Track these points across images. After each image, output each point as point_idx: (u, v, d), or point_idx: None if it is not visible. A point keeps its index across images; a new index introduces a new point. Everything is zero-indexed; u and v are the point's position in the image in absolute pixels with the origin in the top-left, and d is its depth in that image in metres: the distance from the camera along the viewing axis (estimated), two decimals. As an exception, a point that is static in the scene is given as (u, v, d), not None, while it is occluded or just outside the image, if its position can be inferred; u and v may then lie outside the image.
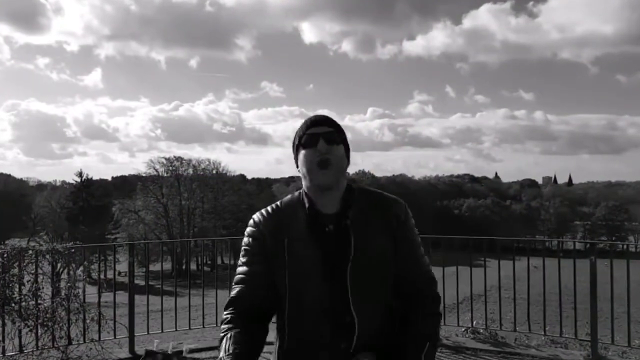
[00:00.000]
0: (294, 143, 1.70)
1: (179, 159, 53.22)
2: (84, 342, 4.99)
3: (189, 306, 6.16)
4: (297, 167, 1.69)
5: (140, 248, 13.94)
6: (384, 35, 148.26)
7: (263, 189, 70.09)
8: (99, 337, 5.06)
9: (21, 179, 76.28)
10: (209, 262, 41.69)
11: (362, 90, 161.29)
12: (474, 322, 5.82)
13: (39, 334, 4.77)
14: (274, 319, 1.70)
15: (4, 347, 4.70)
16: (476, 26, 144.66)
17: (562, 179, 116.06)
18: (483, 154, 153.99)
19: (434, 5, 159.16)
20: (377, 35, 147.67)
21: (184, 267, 36.17)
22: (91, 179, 55.03)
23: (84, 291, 5.11)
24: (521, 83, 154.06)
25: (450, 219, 58.44)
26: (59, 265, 5.25)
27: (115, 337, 5.26)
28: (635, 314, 5.32)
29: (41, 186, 74.05)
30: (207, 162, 54.18)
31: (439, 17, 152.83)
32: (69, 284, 5.02)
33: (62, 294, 4.96)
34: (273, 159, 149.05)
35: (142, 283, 6.57)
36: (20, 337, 4.73)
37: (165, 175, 52.47)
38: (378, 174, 78.44)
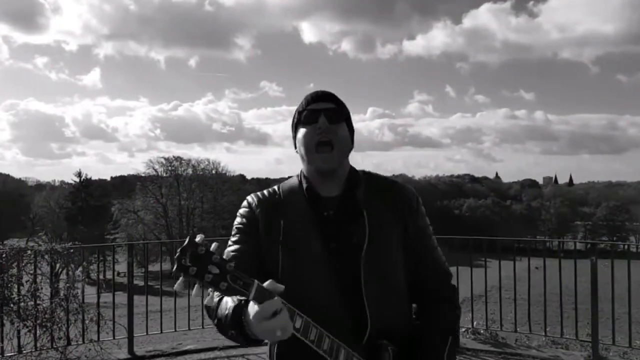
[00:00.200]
0: (293, 120, 1.55)
1: (178, 158, 53.21)
2: (83, 342, 4.98)
3: (188, 307, 6.14)
4: (295, 147, 1.54)
5: (140, 248, 13.93)
6: (383, 34, 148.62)
7: (262, 189, 69.93)
8: (98, 338, 5.05)
9: (20, 179, 76.23)
10: (208, 262, 41.56)
11: (362, 90, 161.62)
12: (475, 323, 5.80)
13: (38, 335, 4.76)
14: None
15: (2, 347, 4.68)
16: (476, 26, 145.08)
17: (562, 179, 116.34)
18: (483, 154, 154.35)
19: (434, 4, 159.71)
20: (377, 34, 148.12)
21: (183, 267, 36.13)
22: (90, 179, 55.04)
23: (82, 292, 5.10)
24: (521, 83, 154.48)
25: (450, 219, 58.35)
26: (57, 265, 5.23)
27: (114, 338, 5.24)
28: (636, 314, 5.32)
29: (40, 186, 73.94)
30: (206, 162, 54.16)
31: (439, 17, 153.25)
32: (67, 285, 5.01)
33: (61, 295, 4.95)
34: (273, 158, 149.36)
35: (141, 283, 6.55)
36: (19, 338, 4.72)
37: (164, 175, 52.43)
38: (378, 174, 78.21)
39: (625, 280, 4.97)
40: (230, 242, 1.53)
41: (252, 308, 1.22)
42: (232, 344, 5.28)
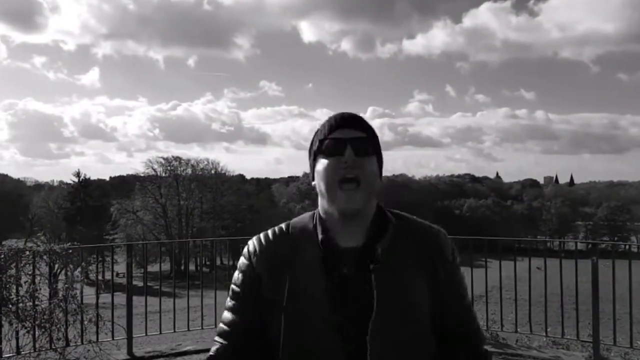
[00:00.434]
0: (310, 148, 1.33)
1: (178, 158, 53.27)
2: (82, 343, 4.95)
3: (187, 307, 6.12)
4: (313, 180, 1.31)
5: (139, 249, 13.92)
6: (383, 34, 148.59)
7: (262, 189, 69.98)
8: (97, 339, 5.03)
9: (18, 179, 76.13)
10: (207, 262, 41.62)
11: (361, 89, 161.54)
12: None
13: (37, 336, 4.74)
14: None
15: (1, 348, 4.66)
16: (476, 25, 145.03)
17: (563, 179, 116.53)
18: (484, 153, 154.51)
19: (434, 4, 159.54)
20: (377, 34, 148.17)
21: (182, 267, 36.12)
22: (89, 179, 55.00)
23: (81, 292, 5.08)
24: (522, 82, 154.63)
25: (451, 219, 58.36)
26: (56, 266, 5.21)
27: (113, 339, 5.22)
28: (637, 314, 5.31)
29: (38, 186, 73.88)
30: (205, 162, 54.23)
31: (439, 16, 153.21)
32: (66, 285, 4.98)
33: (60, 295, 4.93)
34: (272, 158, 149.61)
35: (140, 284, 6.52)
36: (17, 339, 4.70)
37: (163, 175, 52.45)
38: (377, 174, 78.25)
39: (626, 280, 4.96)
40: (226, 304, 1.33)
41: None
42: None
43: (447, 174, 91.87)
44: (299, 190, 66.45)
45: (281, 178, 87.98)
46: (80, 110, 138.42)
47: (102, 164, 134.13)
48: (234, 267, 1.42)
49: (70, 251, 5.24)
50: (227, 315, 1.32)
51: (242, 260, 1.34)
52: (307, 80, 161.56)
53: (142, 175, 53.15)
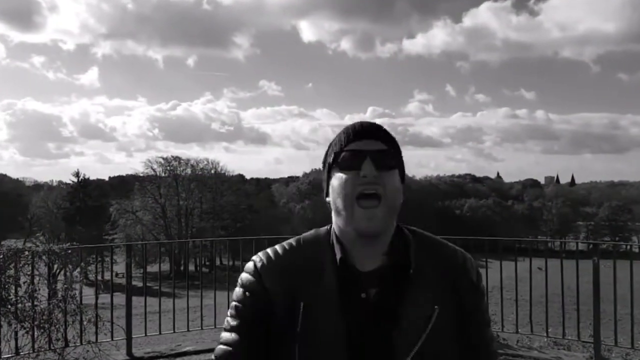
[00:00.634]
0: (325, 160, 1.21)
1: (177, 158, 53.25)
2: (81, 344, 4.94)
3: (187, 308, 6.11)
4: (327, 196, 1.19)
5: (138, 249, 13.91)
6: (383, 33, 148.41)
7: (262, 189, 70.01)
8: (96, 339, 5.02)
9: (17, 179, 76.21)
10: (207, 263, 41.62)
11: (361, 89, 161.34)
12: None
13: (36, 336, 4.73)
14: None
15: (0, 349, 4.64)
16: (477, 24, 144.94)
17: (564, 179, 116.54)
18: (484, 153, 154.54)
19: (434, 3, 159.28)
20: (377, 33, 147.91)
21: (182, 268, 36.13)
22: (88, 179, 55.00)
23: (80, 293, 5.07)
24: (522, 82, 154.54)
25: (451, 219, 58.50)
26: (55, 266, 5.20)
27: (112, 339, 5.21)
28: (638, 315, 5.28)
29: (38, 186, 73.90)
30: (205, 162, 54.23)
31: (439, 15, 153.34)
32: (65, 286, 4.97)
33: (59, 296, 4.92)
34: (272, 158, 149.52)
35: (140, 284, 6.50)
36: (16, 339, 4.68)
37: (163, 175, 52.44)
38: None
39: (627, 280, 4.95)
40: (226, 324, 1.18)
41: None
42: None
43: (448, 174, 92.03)
44: (298, 190, 66.40)
45: (281, 178, 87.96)
46: (80, 110, 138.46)
47: (101, 164, 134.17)
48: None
49: (70, 251, 5.23)
50: (227, 336, 1.16)
51: (246, 277, 1.18)
52: (306, 80, 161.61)
53: (141, 175, 53.19)
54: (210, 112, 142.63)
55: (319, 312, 1.11)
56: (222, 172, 55.45)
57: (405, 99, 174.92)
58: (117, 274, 7.55)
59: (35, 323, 4.72)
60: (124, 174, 74.69)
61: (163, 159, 52.97)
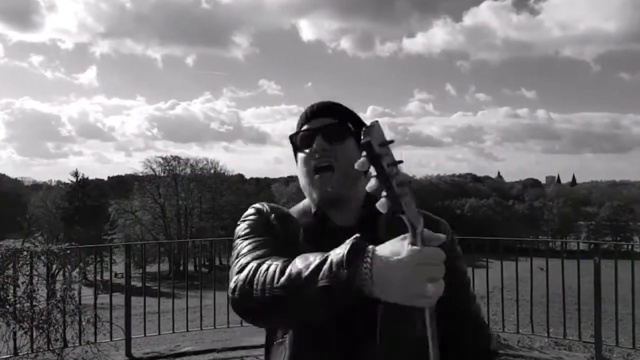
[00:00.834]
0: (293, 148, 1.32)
1: (176, 158, 53.21)
2: (80, 344, 4.93)
3: (186, 308, 6.08)
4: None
5: (137, 249, 13.90)
6: (383, 32, 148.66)
7: (262, 188, 70.10)
8: (95, 340, 5.00)
9: (16, 179, 76.26)
10: (206, 263, 41.58)
11: (361, 88, 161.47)
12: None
13: (34, 336, 4.71)
14: None
15: (-2, 350, 4.62)
16: (477, 23, 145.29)
17: (565, 179, 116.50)
18: (485, 152, 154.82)
19: (434, 2, 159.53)
20: (377, 32, 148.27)
21: (181, 268, 36.11)
22: (87, 178, 55.01)
23: (79, 293, 5.05)
24: (523, 81, 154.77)
25: (452, 219, 57.61)
26: (54, 266, 5.18)
27: (111, 340, 5.19)
28: (640, 315, 5.27)
29: (36, 186, 73.85)
30: (204, 162, 54.19)
31: (439, 14, 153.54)
32: (64, 286, 4.96)
33: (58, 296, 4.90)
34: (272, 158, 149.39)
35: (139, 284, 6.49)
36: (15, 340, 4.67)
37: (162, 175, 52.40)
38: (377, 174, 78.35)
39: (628, 280, 4.93)
40: (245, 243, 1.17)
41: (402, 246, 0.90)
42: (231, 345, 5.23)
43: (448, 173, 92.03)
44: (298, 190, 66.18)
45: (281, 178, 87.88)
46: (78, 110, 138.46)
47: (100, 163, 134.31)
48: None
49: (68, 251, 5.22)
50: (246, 243, 1.15)
51: (251, 215, 1.25)
52: (306, 79, 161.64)
53: (140, 175, 53.14)
54: (209, 112, 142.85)
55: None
56: (222, 171, 55.45)
57: (406, 99, 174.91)
58: (116, 274, 7.53)
59: (34, 323, 4.71)
60: (123, 174, 74.79)
61: (162, 158, 53.00)
